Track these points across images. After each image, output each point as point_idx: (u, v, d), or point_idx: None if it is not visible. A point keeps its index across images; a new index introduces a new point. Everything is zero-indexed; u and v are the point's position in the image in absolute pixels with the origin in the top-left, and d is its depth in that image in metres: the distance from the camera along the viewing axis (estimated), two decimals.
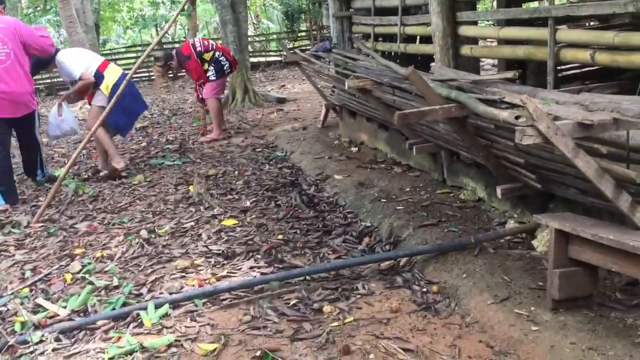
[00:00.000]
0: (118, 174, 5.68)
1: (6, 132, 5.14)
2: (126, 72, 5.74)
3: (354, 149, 5.88)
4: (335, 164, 5.42)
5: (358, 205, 4.35)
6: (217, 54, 7.21)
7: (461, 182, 4.23)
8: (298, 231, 4.00)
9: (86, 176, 5.88)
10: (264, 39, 21.16)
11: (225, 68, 7.28)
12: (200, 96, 7.41)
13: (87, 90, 5.67)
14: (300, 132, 6.98)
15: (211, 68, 7.15)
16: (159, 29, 22.30)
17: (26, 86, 5.09)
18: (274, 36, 20.98)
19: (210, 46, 7.28)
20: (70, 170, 5.27)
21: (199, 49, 7.16)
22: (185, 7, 6.25)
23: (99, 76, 5.61)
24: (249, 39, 11.70)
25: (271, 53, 18.89)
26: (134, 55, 17.28)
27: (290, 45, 17.78)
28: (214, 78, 7.19)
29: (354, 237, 3.85)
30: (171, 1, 19.46)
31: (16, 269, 3.70)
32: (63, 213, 4.75)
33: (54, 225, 4.46)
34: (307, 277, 3.22)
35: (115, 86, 5.46)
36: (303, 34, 19.70)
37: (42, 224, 4.50)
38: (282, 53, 16.78)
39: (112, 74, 5.69)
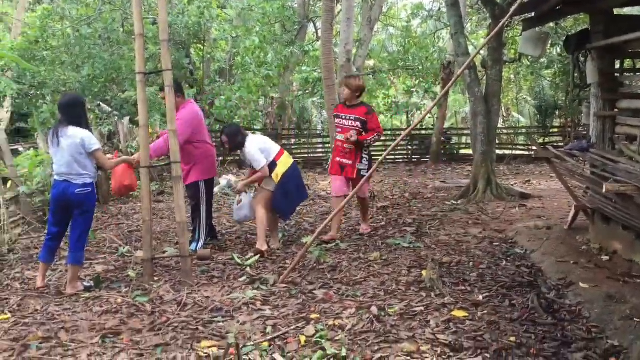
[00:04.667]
0: (263, 254, 5.94)
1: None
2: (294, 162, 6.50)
3: (605, 258, 5.35)
4: (582, 271, 4.99)
5: (605, 320, 3.93)
6: None
7: None
8: (533, 336, 3.74)
9: (328, 247, 6.28)
10: (513, 132, 20.75)
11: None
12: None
13: (261, 180, 6.32)
14: (543, 232, 6.60)
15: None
16: (409, 116, 23.38)
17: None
18: (524, 130, 20.47)
19: None
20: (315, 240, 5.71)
21: None
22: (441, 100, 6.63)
23: (272, 165, 6.28)
24: (497, 131, 11.62)
25: (518, 146, 18.41)
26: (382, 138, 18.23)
27: (540, 141, 17.16)
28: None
29: (598, 355, 3.47)
30: (424, 90, 20.27)
31: (260, 322, 4.08)
32: (304, 278, 5.14)
33: (295, 288, 4.85)
34: None
35: (284, 175, 6.27)
36: (555, 130, 18.91)
37: (286, 285, 4.93)
38: (530, 148, 16.25)
39: (284, 163, 6.36)
